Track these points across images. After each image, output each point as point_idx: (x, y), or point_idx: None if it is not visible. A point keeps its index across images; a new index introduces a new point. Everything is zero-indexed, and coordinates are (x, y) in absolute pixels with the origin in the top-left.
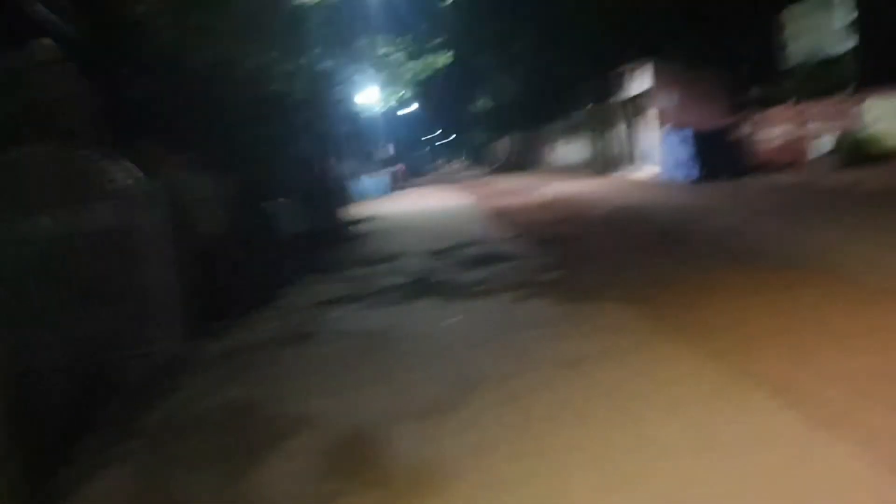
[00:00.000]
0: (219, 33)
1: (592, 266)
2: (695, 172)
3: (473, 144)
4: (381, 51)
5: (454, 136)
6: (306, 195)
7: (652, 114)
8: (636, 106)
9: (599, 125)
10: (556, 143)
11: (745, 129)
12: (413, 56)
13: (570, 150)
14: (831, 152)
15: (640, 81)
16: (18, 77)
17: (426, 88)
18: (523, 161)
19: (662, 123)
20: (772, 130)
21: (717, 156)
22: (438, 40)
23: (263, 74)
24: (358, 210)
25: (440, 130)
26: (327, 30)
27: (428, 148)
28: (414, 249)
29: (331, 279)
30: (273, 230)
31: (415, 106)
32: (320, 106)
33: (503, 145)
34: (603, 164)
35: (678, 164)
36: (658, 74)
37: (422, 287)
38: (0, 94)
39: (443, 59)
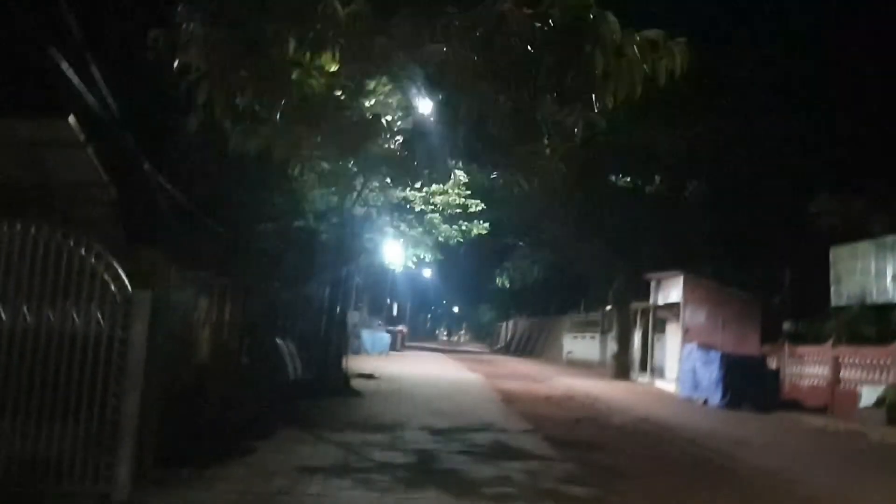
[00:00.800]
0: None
1: (627, 486)
2: (717, 397)
3: (478, 321)
4: (419, 206)
5: (458, 307)
6: (310, 339)
7: (675, 327)
8: (660, 316)
9: (617, 328)
10: (566, 337)
11: (776, 362)
12: (448, 220)
13: (579, 346)
14: (877, 404)
15: (668, 292)
16: (36, 151)
17: (445, 255)
18: (527, 347)
19: (686, 339)
20: (805, 369)
21: (744, 384)
22: (478, 208)
23: (297, 207)
24: (357, 365)
25: (445, 301)
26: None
27: (430, 315)
28: (416, 422)
29: (318, 440)
30: (270, 370)
31: (427, 272)
32: (344, 251)
33: (508, 327)
34: (616, 368)
35: (699, 385)
36: (688, 288)
37: (424, 473)
38: (15, 166)
39: (478, 228)
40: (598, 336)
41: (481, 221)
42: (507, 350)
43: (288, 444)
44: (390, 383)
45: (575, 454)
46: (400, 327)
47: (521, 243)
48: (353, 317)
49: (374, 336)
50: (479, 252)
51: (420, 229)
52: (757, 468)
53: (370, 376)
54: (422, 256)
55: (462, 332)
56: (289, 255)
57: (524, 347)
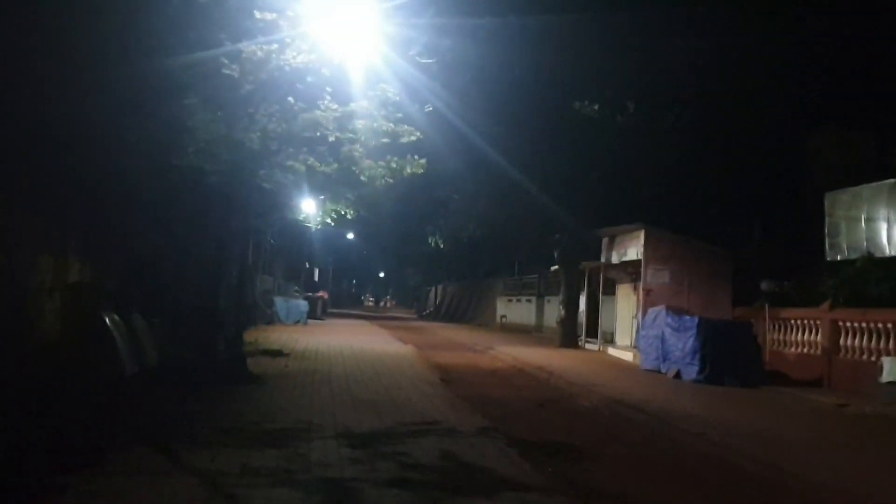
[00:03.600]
0: None
1: None
2: (693, 370)
3: (406, 286)
4: (334, 135)
5: (384, 272)
6: (196, 310)
7: (628, 289)
8: (609, 276)
9: (564, 290)
10: (499, 301)
11: (758, 328)
12: (373, 154)
13: (514, 310)
14: (891, 383)
15: (625, 249)
16: None
17: (369, 213)
18: (457, 313)
19: (647, 302)
20: (791, 336)
21: (725, 355)
22: (413, 137)
23: (175, 141)
24: (267, 339)
25: (371, 265)
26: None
27: (355, 281)
28: (330, 424)
29: (169, 469)
30: (92, 360)
31: (351, 234)
32: (237, 196)
33: (437, 292)
34: (562, 334)
35: (668, 355)
36: (650, 243)
37: None
38: None
39: (413, 166)
40: (534, 299)
41: (416, 157)
42: (437, 316)
43: (115, 482)
44: (303, 361)
45: (560, 473)
46: (320, 293)
47: (455, 196)
48: (263, 282)
49: (289, 304)
50: (406, 211)
51: (336, 165)
52: (822, 486)
53: (279, 353)
54: (341, 212)
55: (389, 297)
56: (164, 201)
57: (454, 313)
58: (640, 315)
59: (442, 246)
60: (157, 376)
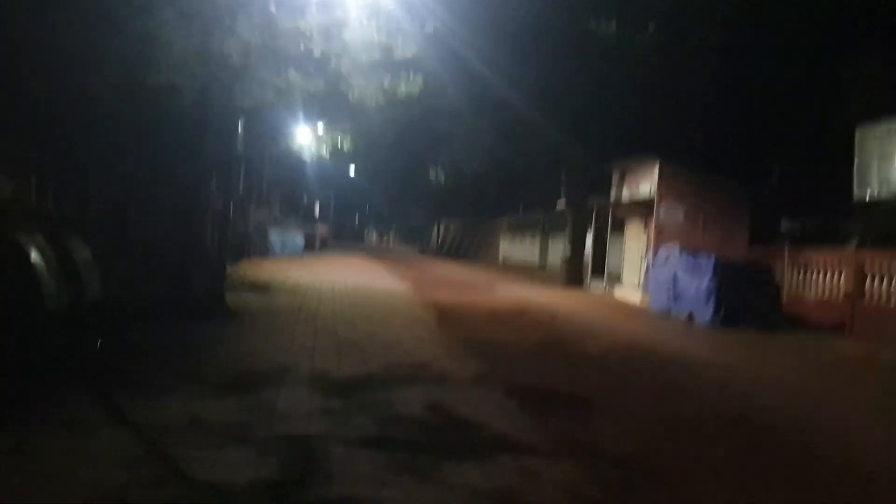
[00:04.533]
0: None
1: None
2: (708, 313)
3: (408, 223)
4: (320, 48)
5: (387, 208)
6: (171, 240)
7: (637, 227)
8: (624, 213)
9: (570, 228)
10: (503, 239)
11: (777, 270)
12: (365, 72)
13: (518, 248)
14: None
15: (636, 185)
16: None
17: (368, 147)
18: (460, 250)
19: (659, 241)
20: (812, 278)
21: (742, 297)
22: (409, 53)
23: (150, 58)
24: (256, 272)
25: (374, 201)
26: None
27: (357, 217)
28: (305, 368)
29: (106, 420)
30: (29, 286)
31: (351, 168)
32: (213, 115)
33: (440, 229)
34: (567, 274)
35: (681, 297)
36: (665, 179)
37: None
38: None
39: (409, 84)
40: (538, 238)
41: (413, 73)
42: (439, 253)
43: (32, 437)
44: (290, 297)
45: (565, 430)
46: (319, 227)
47: (458, 130)
48: (258, 214)
49: (285, 237)
50: (407, 146)
51: (322, 84)
52: (868, 452)
53: (265, 287)
54: (338, 145)
55: (391, 234)
56: (136, 123)
57: (457, 251)
58: (650, 255)
59: (444, 181)
60: (108, 312)
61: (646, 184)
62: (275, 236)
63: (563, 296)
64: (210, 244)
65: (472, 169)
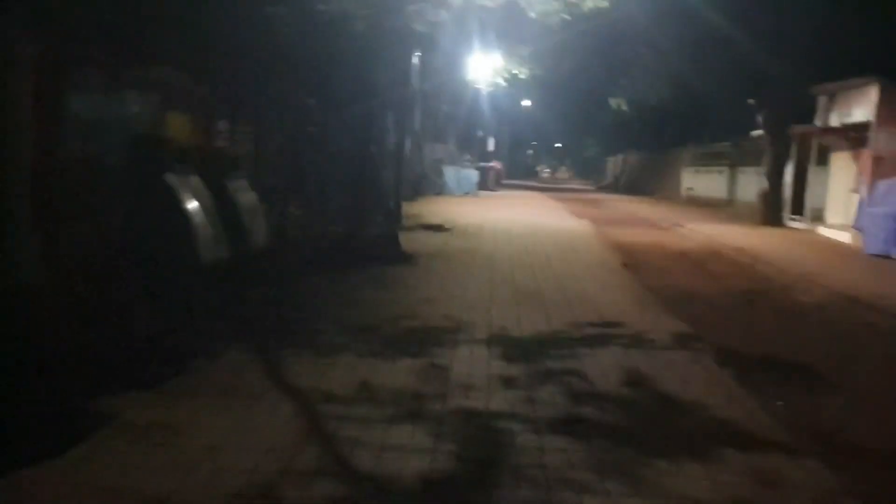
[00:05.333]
0: None
1: None
2: None
3: (582, 156)
4: None
5: (560, 142)
6: (344, 179)
7: (844, 158)
8: (830, 143)
9: (770, 158)
10: (685, 172)
11: None
12: None
13: (702, 182)
14: None
15: (848, 109)
16: None
17: (545, 73)
18: (637, 185)
19: (877, 174)
20: None
21: None
22: None
23: None
24: (430, 211)
25: (547, 134)
26: None
27: (530, 151)
28: (480, 322)
29: (251, 388)
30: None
31: (525, 101)
32: (388, 44)
33: (617, 163)
34: (763, 210)
35: None
36: (884, 101)
37: None
38: None
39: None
40: (726, 170)
41: None
42: (616, 188)
43: (179, 406)
44: (465, 239)
45: (802, 411)
46: (493, 163)
47: (643, 52)
48: (434, 151)
49: (460, 174)
50: (587, 73)
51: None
52: None
53: (440, 227)
54: (514, 72)
55: (566, 168)
56: (308, 54)
57: (634, 185)
58: (863, 189)
59: (626, 110)
60: (277, 260)
61: (860, 109)
62: (450, 173)
63: (760, 235)
64: (385, 184)
65: (656, 95)
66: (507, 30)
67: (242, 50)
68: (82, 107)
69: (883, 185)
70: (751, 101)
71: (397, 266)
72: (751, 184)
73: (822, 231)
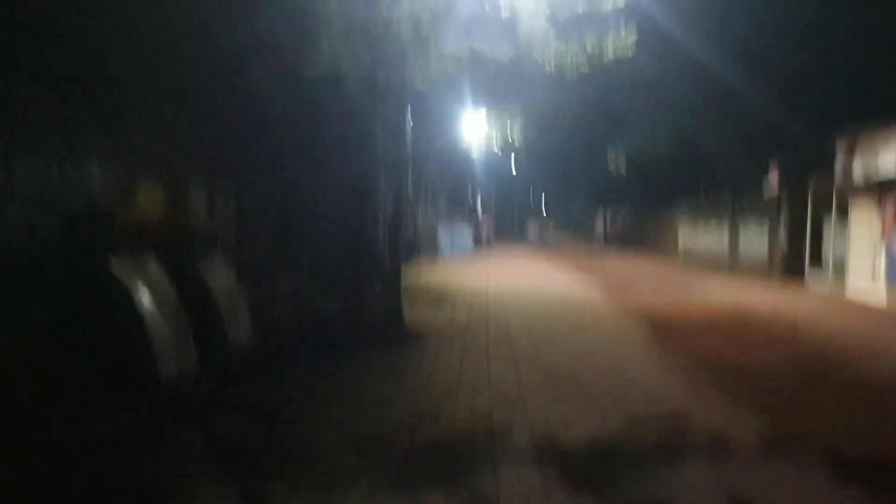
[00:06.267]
0: None
1: None
2: None
3: (567, 213)
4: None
5: (545, 197)
6: (338, 258)
7: (868, 210)
8: (852, 193)
9: (787, 213)
10: (683, 228)
11: None
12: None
13: (701, 238)
14: None
15: (874, 157)
16: None
17: (540, 134)
18: (629, 240)
19: None
20: None
21: None
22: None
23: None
24: (427, 277)
25: (534, 192)
26: None
27: (516, 206)
28: (519, 424)
29: None
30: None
31: (513, 160)
32: (390, 110)
33: (606, 218)
34: (784, 268)
35: None
36: None
37: None
38: None
39: (620, 41)
40: (725, 226)
41: (623, 27)
42: (605, 244)
43: None
44: (472, 309)
45: None
46: (484, 219)
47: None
48: (425, 213)
49: (454, 235)
50: (580, 129)
51: (510, 50)
52: None
53: (441, 297)
54: (508, 137)
55: (550, 225)
56: (296, 117)
57: (626, 240)
58: (894, 238)
59: (623, 167)
60: (263, 354)
61: (890, 154)
62: (443, 235)
63: (783, 296)
64: (383, 253)
65: (655, 151)
66: (506, 84)
67: (222, 111)
68: (24, 175)
69: None
70: (770, 160)
71: (404, 348)
72: (755, 238)
73: (851, 290)
